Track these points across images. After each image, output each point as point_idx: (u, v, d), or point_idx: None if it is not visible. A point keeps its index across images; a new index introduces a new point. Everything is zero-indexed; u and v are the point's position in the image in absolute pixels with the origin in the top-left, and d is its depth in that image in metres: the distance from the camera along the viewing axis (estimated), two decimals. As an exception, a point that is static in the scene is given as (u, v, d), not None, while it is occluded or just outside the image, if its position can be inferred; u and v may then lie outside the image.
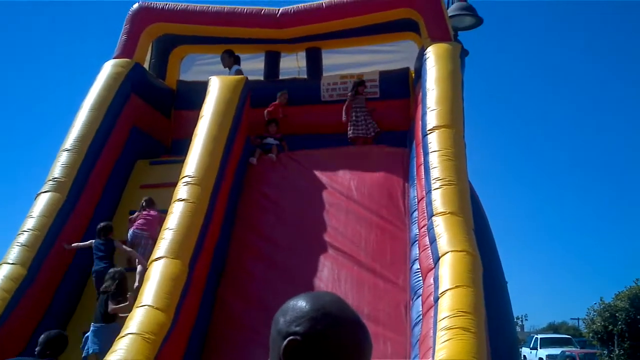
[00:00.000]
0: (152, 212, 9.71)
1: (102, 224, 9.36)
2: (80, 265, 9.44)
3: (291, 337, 1.51)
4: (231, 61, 11.84)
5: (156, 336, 6.77)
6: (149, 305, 7.09)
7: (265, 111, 11.42)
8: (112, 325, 7.95)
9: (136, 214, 9.80)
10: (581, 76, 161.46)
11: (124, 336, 6.70)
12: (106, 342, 7.56)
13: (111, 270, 8.49)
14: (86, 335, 8.19)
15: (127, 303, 7.90)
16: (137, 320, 6.90)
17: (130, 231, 9.61)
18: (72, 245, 9.34)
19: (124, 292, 8.20)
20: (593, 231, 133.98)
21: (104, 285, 8.27)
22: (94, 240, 9.27)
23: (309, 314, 1.54)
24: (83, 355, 8.13)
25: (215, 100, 10.06)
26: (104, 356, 6.85)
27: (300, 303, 1.56)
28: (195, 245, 8.21)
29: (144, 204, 9.81)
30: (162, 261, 7.75)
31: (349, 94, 11.53)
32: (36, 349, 6.57)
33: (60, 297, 8.97)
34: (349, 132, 11.26)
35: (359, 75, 12.16)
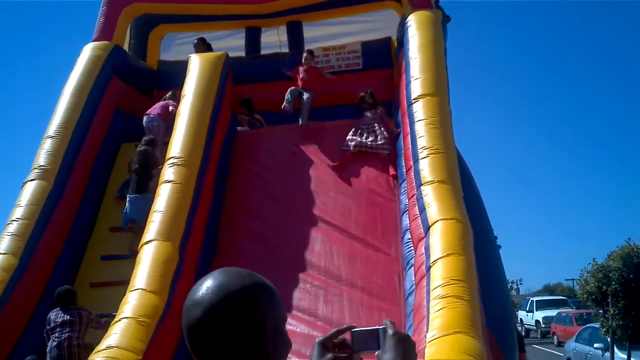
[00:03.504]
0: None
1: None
2: (72, 251, 9.40)
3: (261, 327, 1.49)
4: (205, 49, 11.63)
5: (151, 319, 6.73)
6: (141, 289, 7.05)
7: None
8: (145, 195, 9.37)
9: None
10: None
11: (118, 320, 6.67)
12: (141, 209, 9.15)
13: (137, 151, 9.96)
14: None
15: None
16: (130, 304, 6.86)
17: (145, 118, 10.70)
18: None
19: (152, 167, 9.67)
20: (585, 192, 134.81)
21: (133, 168, 9.82)
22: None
23: (259, 291, 1.52)
24: (124, 220, 9.67)
25: (196, 78, 9.94)
26: (142, 222, 8.44)
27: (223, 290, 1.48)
28: (185, 226, 8.15)
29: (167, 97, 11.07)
30: (152, 244, 7.71)
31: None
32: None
33: (53, 284, 8.86)
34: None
35: (341, 47, 12.04)
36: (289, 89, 10.67)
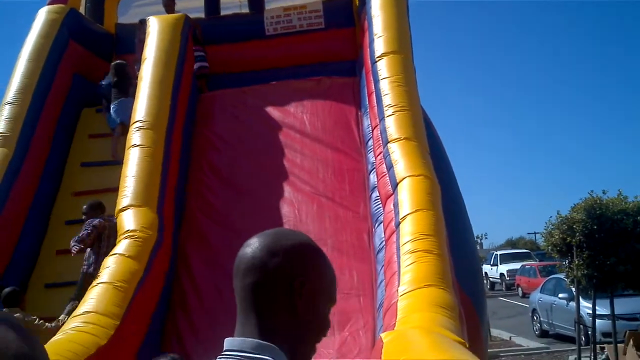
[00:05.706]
0: None
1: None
2: (36, 220, 9.28)
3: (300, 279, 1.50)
4: (174, 4, 11.45)
5: (128, 284, 6.64)
6: (120, 254, 6.96)
7: None
8: (128, 99, 9.74)
9: None
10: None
11: (95, 286, 6.60)
12: (126, 112, 9.58)
13: (113, 64, 10.55)
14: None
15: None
16: (108, 269, 6.77)
17: None
18: None
19: (130, 77, 10.16)
20: (546, 147, 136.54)
21: (112, 81, 10.35)
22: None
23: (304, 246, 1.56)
24: (111, 126, 10.31)
25: (157, 40, 9.78)
26: (127, 124, 9.03)
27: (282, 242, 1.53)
28: (160, 190, 8.07)
29: None
30: (129, 210, 7.61)
31: None
32: None
33: (18, 254, 8.78)
34: None
35: (302, 6, 11.92)
36: None
